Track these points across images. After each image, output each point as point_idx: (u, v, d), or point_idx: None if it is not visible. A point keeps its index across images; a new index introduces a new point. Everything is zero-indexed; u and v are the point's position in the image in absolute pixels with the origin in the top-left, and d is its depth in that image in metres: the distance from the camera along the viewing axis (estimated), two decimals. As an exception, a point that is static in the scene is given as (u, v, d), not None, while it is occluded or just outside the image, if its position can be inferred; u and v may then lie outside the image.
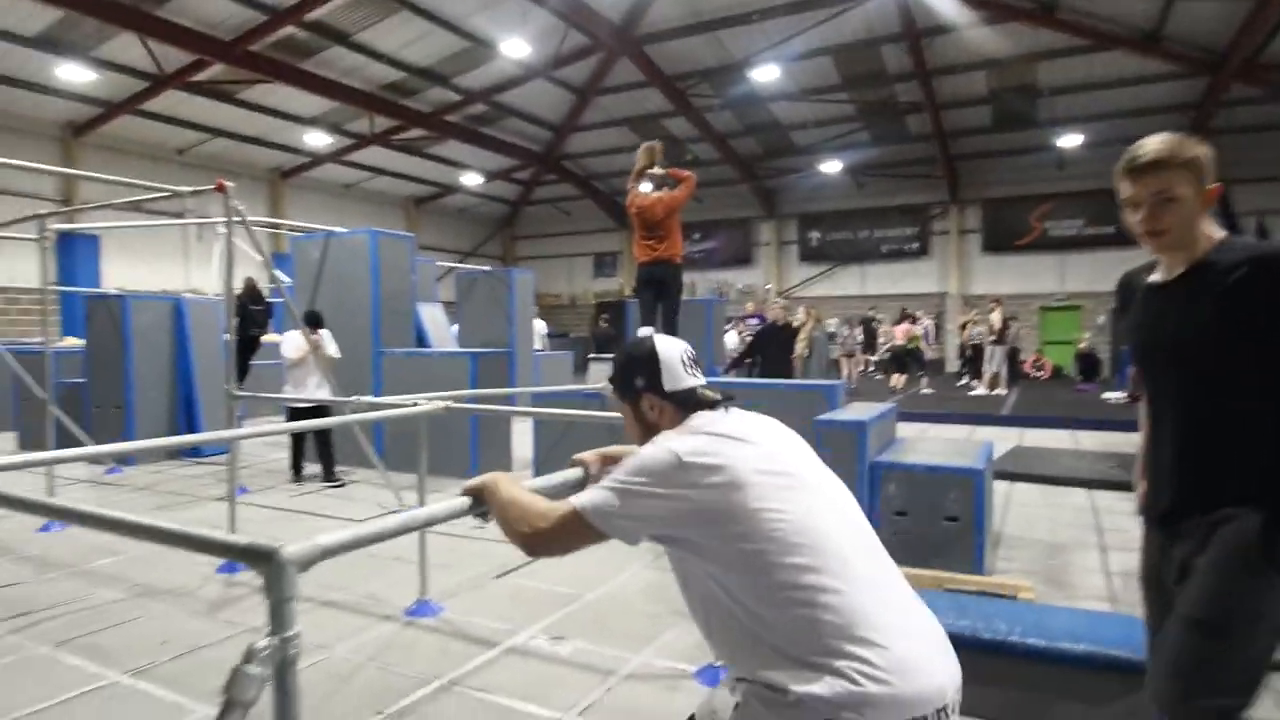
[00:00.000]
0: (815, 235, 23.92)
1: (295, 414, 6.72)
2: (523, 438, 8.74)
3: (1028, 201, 21.08)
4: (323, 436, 6.88)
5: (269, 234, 19.48)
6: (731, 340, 13.59)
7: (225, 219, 4.76)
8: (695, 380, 1.60)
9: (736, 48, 15.90)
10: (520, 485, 1.63)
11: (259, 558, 1.29)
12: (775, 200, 24.23)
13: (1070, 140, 18.25)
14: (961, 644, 2.84)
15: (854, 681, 1.23)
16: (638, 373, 1.60)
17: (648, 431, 1.57)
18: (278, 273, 5.94)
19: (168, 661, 3.35)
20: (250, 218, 5.14)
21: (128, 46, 14.18)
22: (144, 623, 3.83)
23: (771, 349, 9.14)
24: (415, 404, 3.74)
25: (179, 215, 14.02)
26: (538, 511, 1.50)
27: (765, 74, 15.91)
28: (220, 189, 4.69)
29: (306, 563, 1.32)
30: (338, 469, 7.15)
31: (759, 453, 1.44)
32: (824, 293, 23.93)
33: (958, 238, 22.00)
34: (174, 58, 14.70)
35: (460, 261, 22.47)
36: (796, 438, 1.61)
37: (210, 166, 19.36)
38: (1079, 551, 4.97)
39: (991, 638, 2.87)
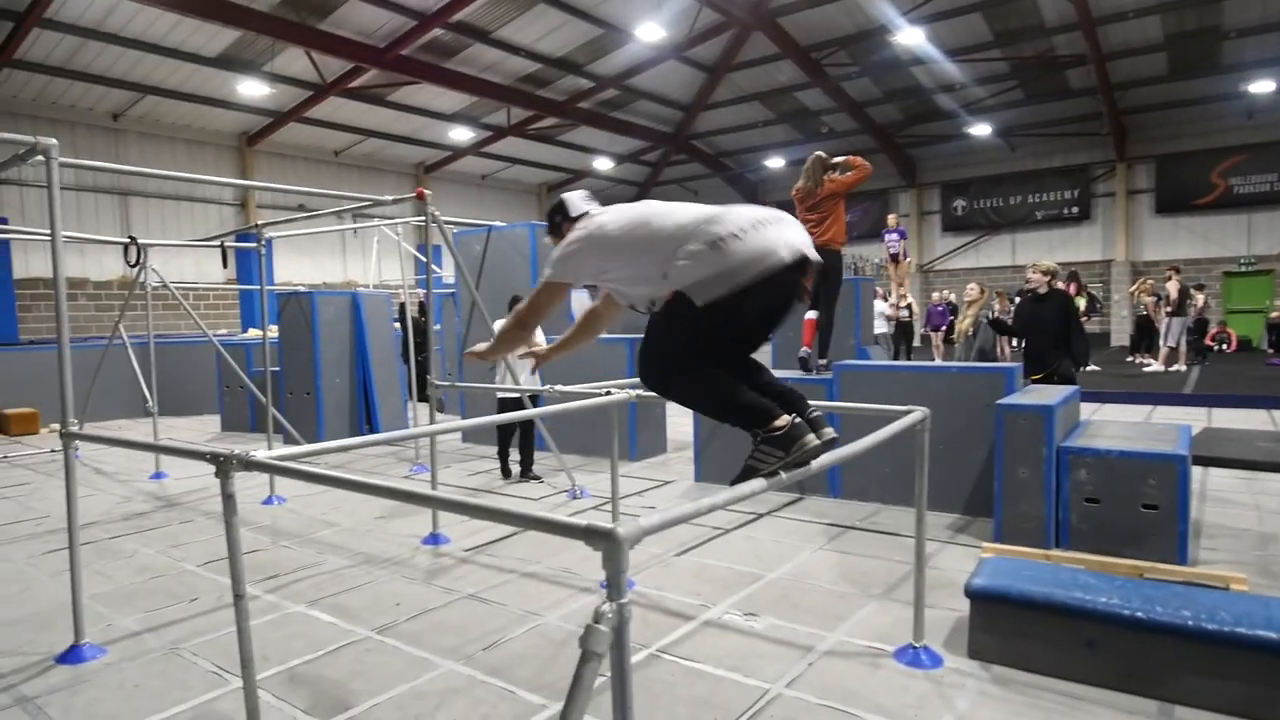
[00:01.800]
0: (960, 203, 22.82)
1: (505, 405, 6.73)
2: (677, 420, 9.05)
3: (1209, 156, 19.19)
4: (528, 428, 6.95)
5: (416, 227, 20.83)
6: (882, 308, 13.18)
7: (424, 219, 5.26)
8: (588, 206, 2.62)
9: (876, 12, 15.37)
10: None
11: (599, 537, 1.54)
12: (916, 168, 23.28)
13: (1262, 86, 16.42)
14: (1184, 634, 2.83)
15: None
16: (557, 215, 2.66)
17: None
18: (441, 264, 6.41)
19: (405, 621, 3.83)
20: (401, 218, 5.66)
21: (294, 60, 15.54)
22: (375, 587, 4.37)
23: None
24: (607, 392, 4.02)
25: (337, 216, 15.31)
26: (520, 309, 2.63)
27: (908, 37, 15.30)
28: (420, 196, 5.19)
29: (635, 541, 1.56)
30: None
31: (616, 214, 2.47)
32: (969, 264, 22.83)
33: (1125, 199, 20.34)
34: (334, 67, 15.98)
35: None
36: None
37: (363, 165, 20.91)
38: (1297, 544, 4.65)
39: (1216, 629, 2.82)
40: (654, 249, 2.28)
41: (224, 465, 2.57)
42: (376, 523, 5.67)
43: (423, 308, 11.76)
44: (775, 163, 23.17)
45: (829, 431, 2.33)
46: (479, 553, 4.91)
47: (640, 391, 4.11)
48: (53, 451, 9.27)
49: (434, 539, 5.17)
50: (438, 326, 11.26)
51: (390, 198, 5.26)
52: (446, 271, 15.62)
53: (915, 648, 3.24)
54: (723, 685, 3.07)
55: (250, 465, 2.55)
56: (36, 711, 3.04)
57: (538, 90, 18.54)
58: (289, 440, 8.96)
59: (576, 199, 2.66)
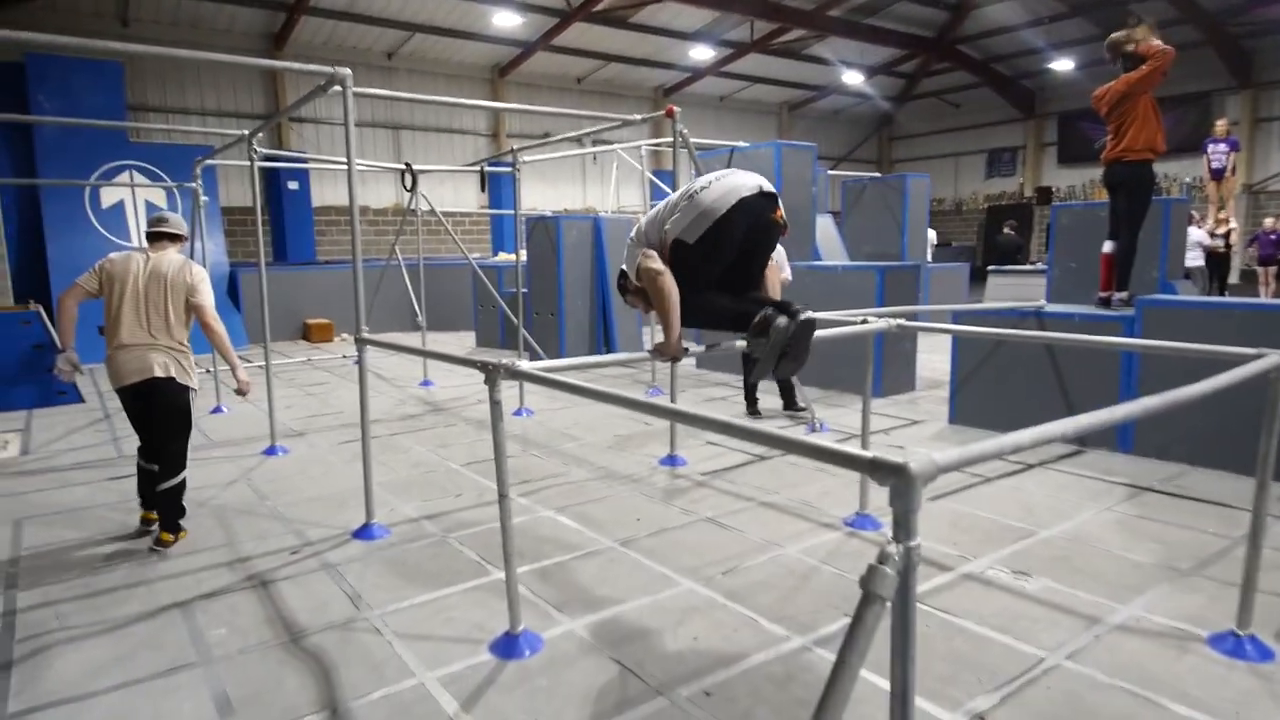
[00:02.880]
0: (1314, 107, 18.55)
1: None
2: (929, 357, 8.47)
3: None
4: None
5: (653, 152, 21.17)
6: (1197, 236, 11.08)
7: (671, 140, 5.26)
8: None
9: None
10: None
11: (889, 471, 1.41)
12: (1253, 64, 19.22)
13: None
14: None
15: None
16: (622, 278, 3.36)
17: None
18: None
19: (645, 537, 3.98)
20: (642, 140, 5.64)
21: (543, -15, 16.15)
22: (616, 501, 4.59)
23: None
24: (864, 320, 3.78)
25: (578, 142, 15.93)
26: (658, 304, 3.05)
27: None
28: (669, 114, 5.17)
29: (929, 478, 1.41)
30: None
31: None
32: (1322, 184, 18.68)
33: None
34: (579, -10, 16.39)
35: (832, 168, 22.03)
36: None
37: (604, 91, 21.50)
38: None
39: None
40: (657, 222, 3.14)
41: (491, 374, 2.77)
42: (617, 440, 5.95)
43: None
44: (1063, 65, 20.30)
45: (802, 311, 2.97)
46: (715, 477, 4.97)
47: (902, 320, 3.82)
48: (344, 357, 10.85)
49: (671, 460, 5.31)
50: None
51: (639, 116, 5.29)
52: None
53: (1239, 635, 2.76)
54: (988, 646, 2.83)
55: (515, 374, 2.73)
56: (338, 576, 3.58)
57: (783, 1, 17.71)
58: (535, 357, 9.69)
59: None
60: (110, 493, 4.94)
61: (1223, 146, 10.49)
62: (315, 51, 16.89)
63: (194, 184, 7.41)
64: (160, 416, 4.02)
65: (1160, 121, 5.44)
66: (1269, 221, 13.14)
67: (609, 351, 10.29)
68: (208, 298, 4.14)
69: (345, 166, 4.19)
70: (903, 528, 1.41)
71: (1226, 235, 11.41)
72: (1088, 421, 1.85)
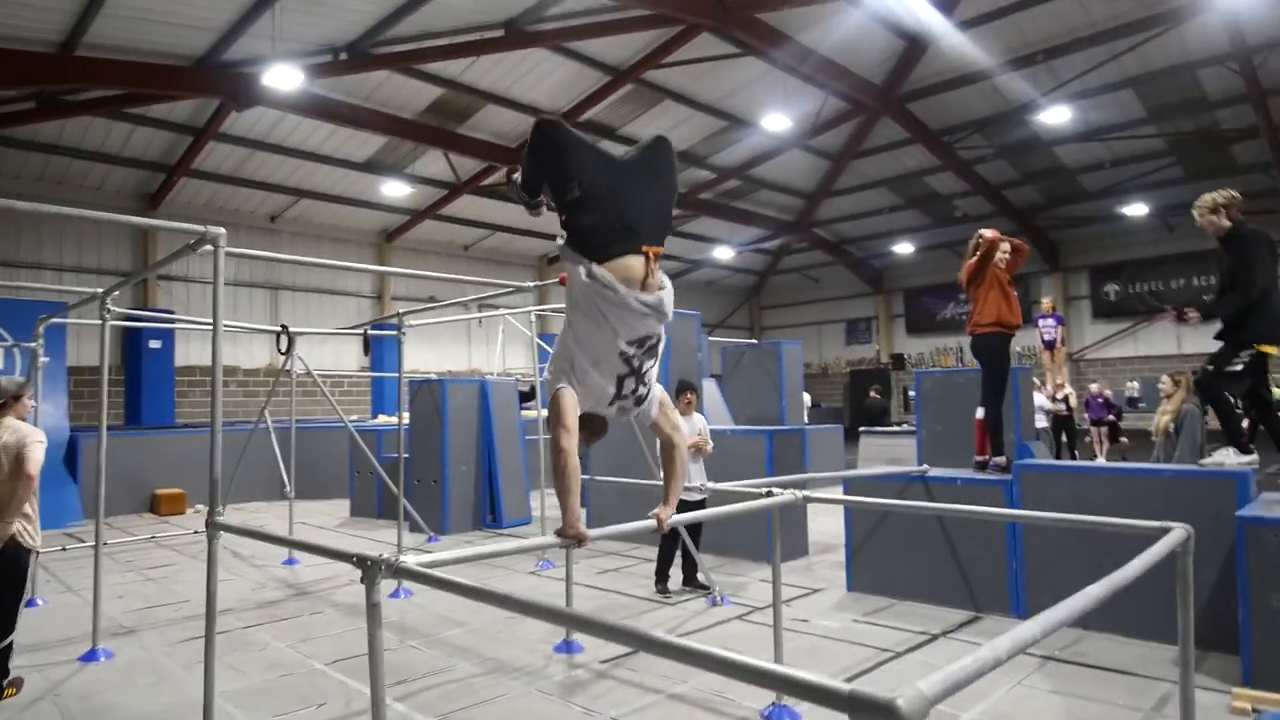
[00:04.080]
0: (1113, 288, 21.28)
1: (684, 509, 5.88)
2: (818, 520, 8.41)
3: None
4: (695, 534, 6.19)
5: (537, 316, 21.45)
6: (1040, 401, 11.89)
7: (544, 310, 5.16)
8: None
9: (1015, 93, 14.90)
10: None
11: (874, 709, 1.15)
12: (1060, 252, 22.04)
13: None
14: None
15: None
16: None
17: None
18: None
19: (544, 748, 3.44)
20: (530, 306, 5.58)
21: (434, 161, 16.62)
22: (507, 702, 4.01)
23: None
24: (768, 492, 3.61)
25: (464, 306, 15.91)
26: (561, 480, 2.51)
27: (1052, 116, 14.65)
28: (563, 282, 5.10)
29: (922, 716, 1.16)
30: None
31: None
32: (1127, 353, 21.07)
33: (1311, 282, 18.33)
34: (468, 166, 16.96)
35: (709, 334, 22.99)
36: None
37: (490, 259, 21.89)
38: None
39: None
40: (578, 363, 2.61)
41: (370, 571, 2.36)
42: (505, 623, 5.36)
43: (530, 392, 11.81)
44: (903, 249, 22.54)
45: None
46: (616, 665, 4.49)
47: (807, 492, 3.68)
48: (196, 533, 9.64)
49: (566, 646, 4.79)
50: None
51: (531, 284, 5.21)
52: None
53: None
54: None
55: (399, 572, 2.33)
56: (160, 830, 2.82)
57: (659, 183, 18.99)
58: (414, 529, 8.95)
59: None
60: None
61: (1051, 321, 11.66)
62: (195, 212, 16.36)
63: (34, 344, 6.63)
64: None
65: (1010, 298, 5.85)
66: (1094, 387, 14.52)
67: (494, 520, 9.69)
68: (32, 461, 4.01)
69: (210, 327, 3.78)
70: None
71: (1065, 399, 12.45)
72: (1059, 615, 1.69)
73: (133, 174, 15.18)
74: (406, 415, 9.81)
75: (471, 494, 9.59)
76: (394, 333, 7.71)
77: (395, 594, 6.23)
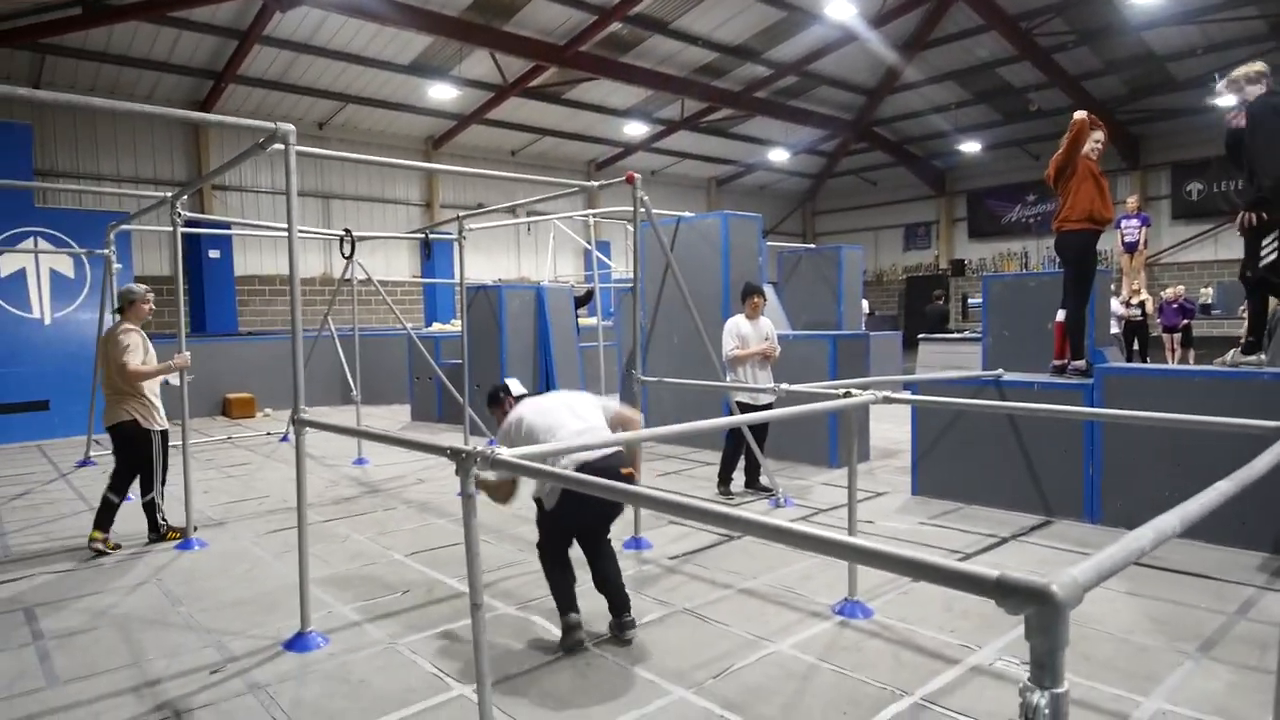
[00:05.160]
0: (1196, 187, 20.05)
1: (743, 411, 5.80)
2: (880, 425, 8.36)
3: None
4: (760, 437, 6.13)
5: (588, 223, 21.23)
6: (1113, 307, 11.43)
7: (631, 208, 5.06)
8: (521, 390, 3.88)
9: (1104, -31, 13.71)
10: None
11: (1026, 597, 1.11)
12: (1140, 148, 20.75)
13: None
14: None
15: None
16: (501, 392, 3.86)
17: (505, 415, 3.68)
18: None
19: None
20: (578, 211, 5.47)
21: (479, 62, 16.19)
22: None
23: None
24: (847, 393, 3.55)
25: (513, 212, 15.78)
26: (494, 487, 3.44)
27: (1144, -5, 13.46)
28: (630, 180, 4.98)
29: (1076, 602, 1.13)
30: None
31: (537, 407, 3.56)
32: (1206, 257, 20.06)
33: None
34: (515, 67, 16.49)
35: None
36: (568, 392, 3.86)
37: (538, 164, 21.55)
38: None
39: None
40: (545, 438, 3.39)
41: (465, 463, 2.40)
42: (573, 522, 5.51)
43: (589, 295, 11.82)
44: (970, 147, 21.47)
45: (629, 635, 3.50)
46: (686, 561, 4.60)
47: (889, 393, 3.61)
48: (268, 434, 10.07)
49: (635, 543, 4.92)
50: (607, 321, 11.21)
51: (596, 184, 5.08)
52: (616, 265, 15.69)
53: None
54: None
55: (497, 464, 2.37)
56: (269, 701, 3.04)
57: (713, 81, 18.24)
58: (474, 432, 9.17)
59: (515, 384, 3.92)
60: (-9, 602, 4.22)
61: (1135, 222, 11.05)
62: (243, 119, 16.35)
63: (106, 250, 6.79)
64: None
65: (1101, 191, 5.52)
66: (1169, 291, 13.90)
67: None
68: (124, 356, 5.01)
69: (274, 233, 3.83)
70: (1048, 670, 1.11)
71: (1142, 305, 11.95)
72: (1197, 508, 1.62)
73: (181, 81, 15.15)
74: (458, 322, 9.93)
75: (530, 399, 9.76)
76: (450, 236, 7.69)
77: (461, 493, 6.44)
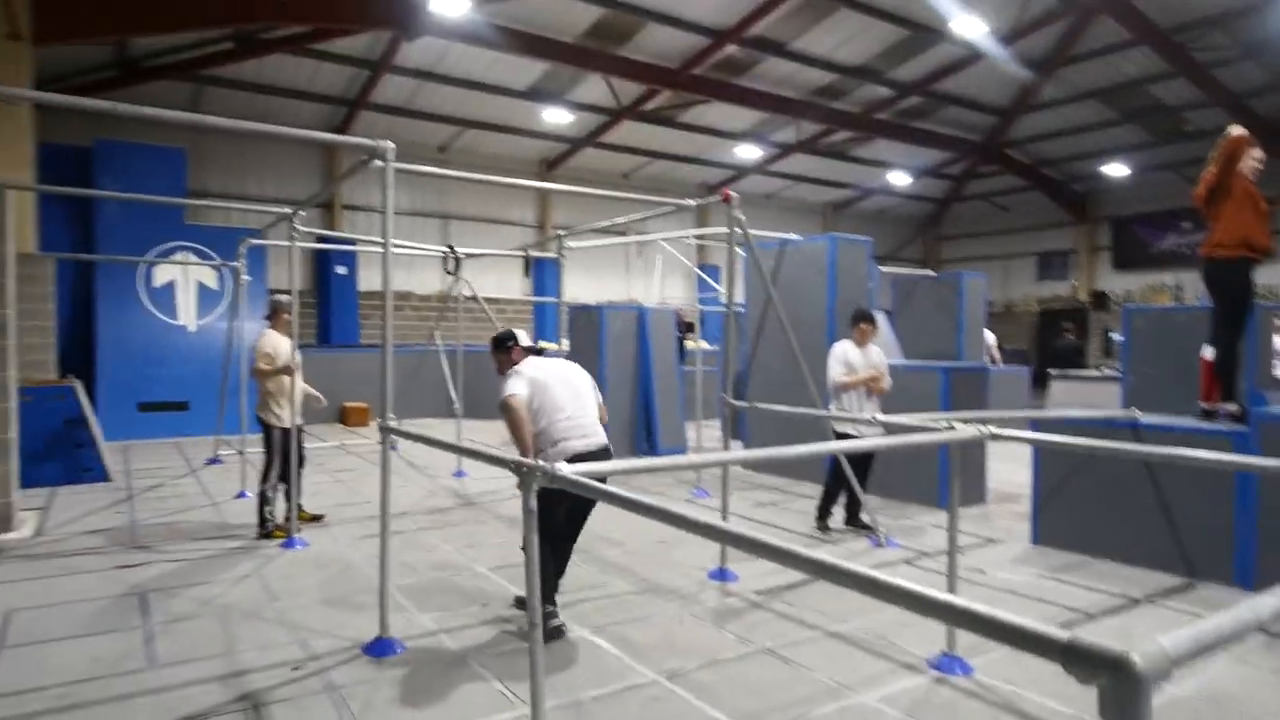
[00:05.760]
0: (1386, 216, 17.91)
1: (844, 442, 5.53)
2: (1000, 466, 7.86)
3: None
4: (863, 471, 5.90)
5: (695, 246, 21.23)
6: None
7: (725, 230, 5.00)
8: (528, 342, 4.20)
9: (1275, -25, 12.56)
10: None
11: (1100, 664, 0.97)
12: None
13: None
14: None
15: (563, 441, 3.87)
16: (507, 340, 4.14)
17: (510, 364, 4.03)
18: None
19: (696, 669, 3.45)
20: (688, 230, 5.39)
21: (594, 86, 16.61)
22: (661, 621, 4.07)
23: None
24: (949, 426, 3.33)
25: (624, 233, 16.00)
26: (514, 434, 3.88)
27: (1323, 2, 12.25)
28: (726, 198, 4.93)
29: (1161, 677, 0.97)
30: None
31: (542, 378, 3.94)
32: (1399, 295, 17.85)
33: None
34: (629, 91, 16.81)
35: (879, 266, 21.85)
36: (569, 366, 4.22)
37: (650, 187, 21.83)
38: None
39: None
40: (538, 417, 3.91)
41: (526, 477, 2.40)
42: (658, 547, 5.45)
43: (690, 326, 11.76)
44: (1115, 170, 20.10)
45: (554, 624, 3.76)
46: (773, 598, 4.43)
47: (994, 429, 3.36)
48: (379, 443, 10.55)
49: (721, 574, 4.79)
50: (714, 346, 11.13)
51: (693, 202, 5.05)
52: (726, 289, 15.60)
53: None
54: None
55: (553, 479, 2.35)
56: (340, 703, 3.12)
57: (831, 103, 17.93)
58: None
59: (523, 335, 4.18)
60: (113, 583, 4.58)
61: (1307, 252, 9.95)
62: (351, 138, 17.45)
63: (236, 263, 7.35)
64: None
65: (1261, 216, 5.00)
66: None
67: (650, 448, 9.85)
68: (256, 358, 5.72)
69: (393, 250, 4.03)
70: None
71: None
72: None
73: (321, 109, 16.35)
74: (566, 341, 10.10)
75: (628, 420, 9.78)
76: (553, 255, 7.86)
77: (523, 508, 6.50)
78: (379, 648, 3.61)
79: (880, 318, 10.86)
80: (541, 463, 2.42)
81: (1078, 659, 1.00)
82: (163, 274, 11.72)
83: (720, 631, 3.92)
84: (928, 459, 6.79)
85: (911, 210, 26.58)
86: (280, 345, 5.70)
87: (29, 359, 9.47)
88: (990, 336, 14.06)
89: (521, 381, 3.86)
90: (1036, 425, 5.72)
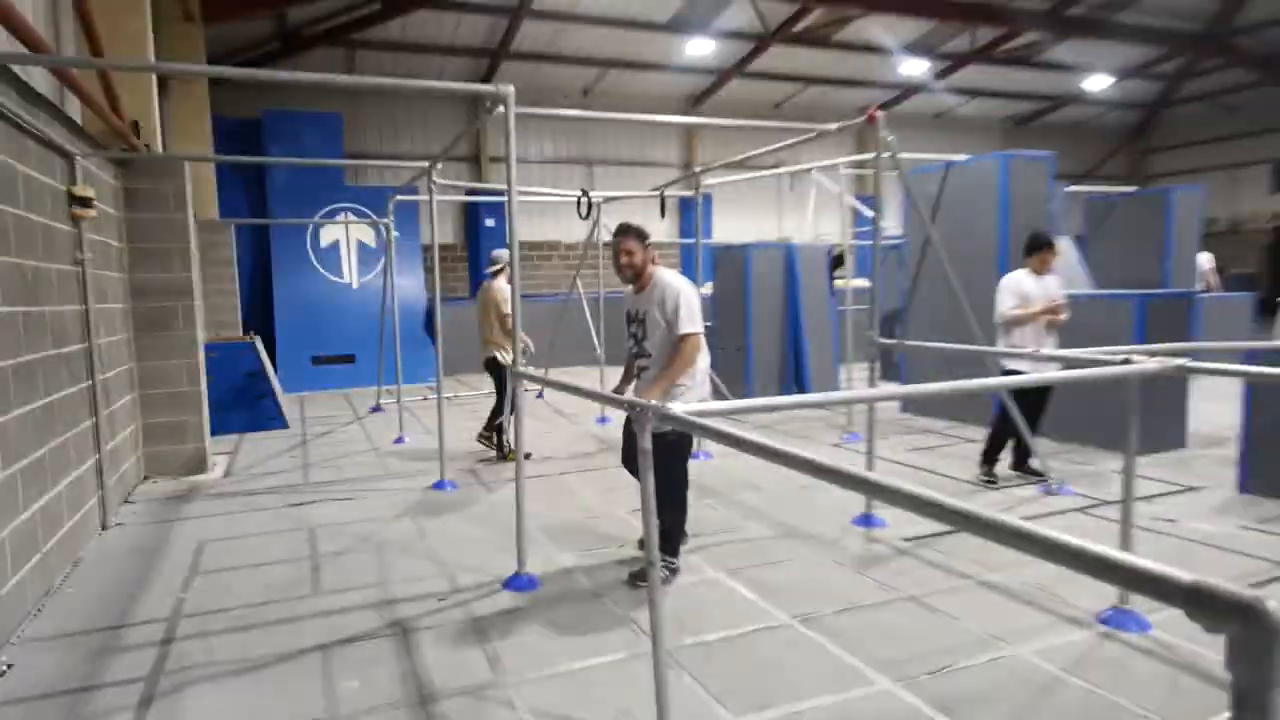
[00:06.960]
0: None
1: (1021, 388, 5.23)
2: (1205, 406, 7.11)
3: None
4: (1034, 413, 5.51)
5: (854, 175, 20.30)
6: None
7: (876, 152, 4.75)
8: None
9: None
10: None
11: (1224, 610, 0.87)
12: None
13: None
14: None
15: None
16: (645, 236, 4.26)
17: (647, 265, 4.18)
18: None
19: (833, 614, 3.43)
20: (840, 158, 5.10)
21: (739, 12, 16.09)
22: (798, 565, 4.06)
23: None
24: (1125, 360, 3.03)
25: (773, 167, 15.56)
26: (684, 358, 3.84)
27: None
28: (871, 120, 4.68)
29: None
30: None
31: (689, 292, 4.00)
32: None
33: None
34: (777, 12, 16.15)
35: (1068, 185, 19.94)
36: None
37: (804, 115, 20.99)
38: None
39: None
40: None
41: (639, 417, 2.44)
42: (800, 491, 5.40)
43: (840, 260, 11.24)
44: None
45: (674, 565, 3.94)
46: (921, 545, 4.28)
47: (1185, 361, 3.02)
48: (527, 390, 11.08)
49: (866, 520, 4.69)
50: (864, 282, 10.63)
51: (834, 126, 4.82)
52: (888, 221, 14.84)
53: None
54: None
55: (665, 419, 2.37)
56: (481, 632, 3.37)
57: (1011, 2, 16.37)
58: (717, 396, 9.31)
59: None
60: (286, 519, 5.16)
61: None
62: (518, 95, 17.95)
63: (386, 219, 7.88)
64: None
65: None
66: None
67: (799, 391, 9.69)
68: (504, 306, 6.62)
69: (537, 198, 4.17)
70: (1252, 709, 0.86)
71: None
72: None
73: (465, 63, 16.98)
74: (710, 285, 10.09)
75: (776, 363, 9.67)
76: (691, 193, 7.81)
77: (695, 455, 6.58)
78: (517, 582, 3.86)
79: (1065, 244, 9.98)
80: (654, 403, 2.45)
81: (1203, 604, 0.90)
82: (328, 234, 12.79)
83: (861, 577, 3.85)
84: (1112, 398, 6.20)
85: (1112, 121, 23.96)
86: (507, 292, 6.44)
87: (215, 318, 10.72)
88: (1206, 259, 12.56)
89: (699, 302, 3.99)
90: (1252, 358, 5.08)
